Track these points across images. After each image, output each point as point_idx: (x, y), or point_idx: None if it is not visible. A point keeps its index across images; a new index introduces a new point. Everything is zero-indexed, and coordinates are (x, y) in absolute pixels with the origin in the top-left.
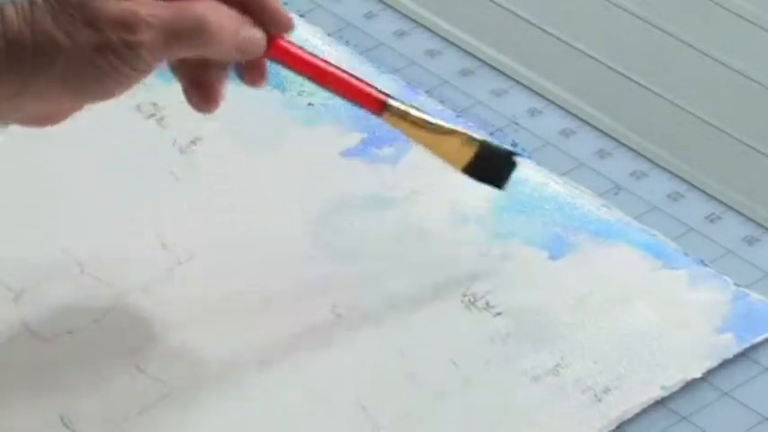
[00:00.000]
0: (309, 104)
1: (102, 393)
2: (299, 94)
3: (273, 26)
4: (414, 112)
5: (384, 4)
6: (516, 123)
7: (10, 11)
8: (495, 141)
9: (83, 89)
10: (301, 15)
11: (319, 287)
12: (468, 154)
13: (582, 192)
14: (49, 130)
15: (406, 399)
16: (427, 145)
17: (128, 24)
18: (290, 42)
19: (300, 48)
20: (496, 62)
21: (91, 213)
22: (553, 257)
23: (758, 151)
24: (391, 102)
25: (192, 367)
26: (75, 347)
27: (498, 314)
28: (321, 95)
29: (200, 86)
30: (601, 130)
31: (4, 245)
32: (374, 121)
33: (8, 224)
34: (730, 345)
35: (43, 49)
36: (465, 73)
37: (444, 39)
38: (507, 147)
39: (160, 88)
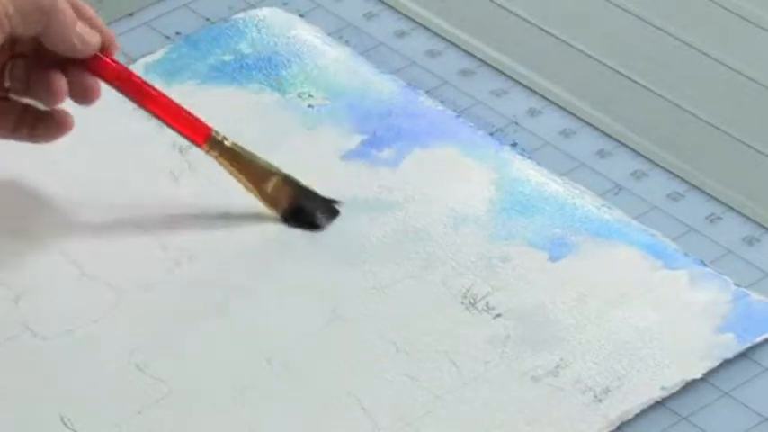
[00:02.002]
0: (309, 107)
1: (102, 393)
2: (299, 96)
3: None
4: (236, 148)
5: (384, 4)
6: (516, 123)
7: None
8: (315, 191)
9: None
10: (301, 15)
11: (320, 288)
12: (288, 198)
13: (582, 192)
14: None
15: (406, 399)
16: (248, 186)
17: None
18: (114, 60)
19: (125, 68)
20: (496, 62)
21: (91, 213)
22: (553, 258)
23: (758, 151)
24: (215, 134)
25: (191, 367)
26: (75, 347)
27: (498, 315)
28: (321, 98)
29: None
30: (601, 130)
31: (4, 245)
32: (374, 123)
33: (8, 224)
34: (730, 345)
35: None
36: (465, 73)
37: (444, 39)
38: (326, 197)
39: (160, 88)
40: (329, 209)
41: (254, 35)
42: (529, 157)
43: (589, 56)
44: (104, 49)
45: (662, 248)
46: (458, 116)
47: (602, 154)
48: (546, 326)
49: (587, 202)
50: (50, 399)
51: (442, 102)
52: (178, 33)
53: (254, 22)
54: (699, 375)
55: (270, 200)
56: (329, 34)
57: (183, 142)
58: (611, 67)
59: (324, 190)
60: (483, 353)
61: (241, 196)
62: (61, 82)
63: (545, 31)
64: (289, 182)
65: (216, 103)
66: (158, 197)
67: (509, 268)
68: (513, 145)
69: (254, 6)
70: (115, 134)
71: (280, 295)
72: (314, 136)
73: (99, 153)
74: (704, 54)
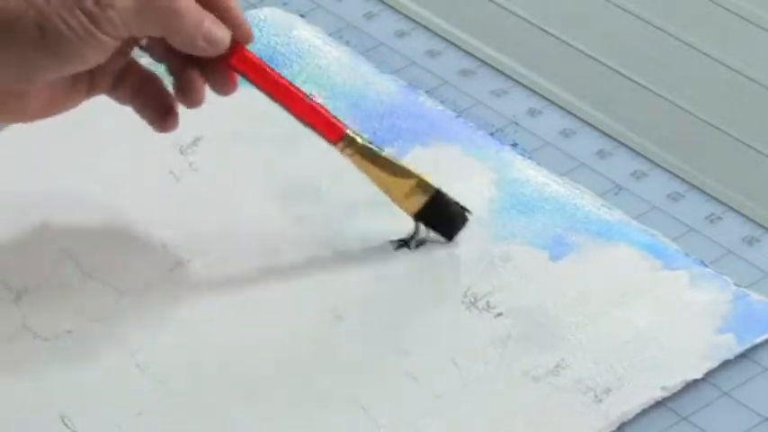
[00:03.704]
0: None
1: (102, 393)
2: None
3: (234, 33)
4: (371, 147)
5: (384, 4)
6: (516, 123)
7: None
8: (448, 194)
9: (49, 47)
10: (301, 15)
11: (320, 288)
12: (421, 199)
13: (582, 192)
14: (50, 130)
15: (406, 399)
16: (381, 184)
17: None
18: (251, 53)
19: (262, 61)
20: (496, 62)
21: (91, 213)
22: (553, 258)
23: (758, 151)
24: (350, 133)
25: (191, 367)
26: (76, 347)
27: (499, 314)
28: (321, 97)
29: (162, 112)
30: (601, 130)
31: (5, 245)
32: (375, 121)
33: (8, 224)
34: (730, 345)
35: (12, 8)
36: (465, 73)
37: (444, 39)
38: (458, 202)
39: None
40: (461, 216)
41: (254, 35)
42: (529, 157)
43: (589, 56)
44: (239, 41)
45: (662, 248)
46: (458, 116)
47: (602, 154)
48: (546, 325)
49: (587, 202)
50: (50, 399)
51: (441, 102)
52: None
53: (254, 23)
54: (699, 375)
55: (403, 200)
56: (329, 34)
57: (184, 141)
58: (611, 67)
59: (325, 189)
60: (483, 352)
61: (241, 196)
62: (197, 84)
63: (545, 31)
64: (424, 184)
65: (217, 102)
66: (159, 197)
67: (509, 268)
68: (514, 145)
69: (254, 6)
70: (115, 134)
71: (280, 295)
72: (314, 134)
73: (99, 153)
74: (704, 54)
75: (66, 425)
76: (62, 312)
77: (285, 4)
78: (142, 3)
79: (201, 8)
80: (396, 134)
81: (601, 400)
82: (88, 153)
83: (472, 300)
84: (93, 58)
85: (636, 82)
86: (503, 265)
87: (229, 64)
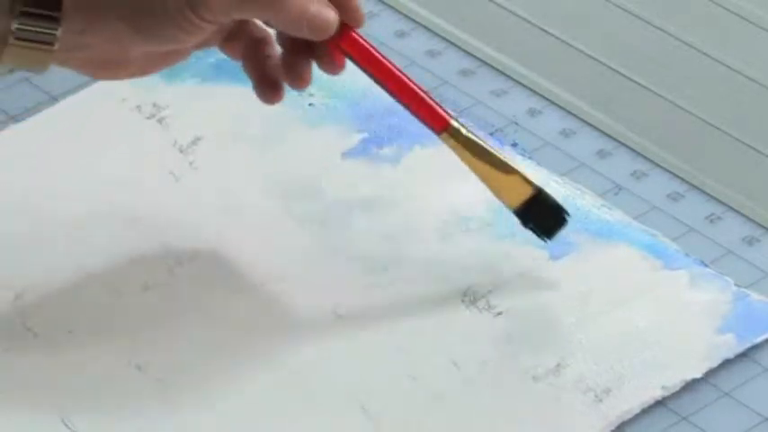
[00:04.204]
0: (310, 105)
1: (102, 393)
2: (300, 94)
3: (345, 16)
4: (475, 139)
5: (384, 4)
6: (516, 123)
7: None
8: (549, 193)
9: (145, 29)
10: None
11: (320, 287)
12: (522, 196)
13: (582, 192)
14: (50, 130)
15: (406, 399)
16: (483, 176)
17: None
18: (361, 37)
19: (371, 46)
20: (496, 62)
21: (91, 213)
22: (554, 258)
23: (758, 151)
24: (454, 123)
25: (192, 367)
26: (76, 347)
27: (499, 314)
28: (322, 96)
29: (268, 79)
30: (601, 130)
31: (5, 245)
32: (375, 121)
33: (8, 224)
34: (731, 345)
35: None
36: (465, 73)
37: (444, 39)
38: (559, 202)
39: (161, 88)
40: (561, 216)
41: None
42: (529, 157)
43: (589, 56)
44: (349, 23)
45: (662, 248)
46: (458, 116)
47: (602, 154)
48: (546, 325)
49: (587, 202)
50: (50, 399)
51: (442, 102)
52: None
53: None
54: (699, 375)
55: (504, 195)
56: None
57: (184, 141)
58: (611, 67)
59: (325, 188)
60: (483, 352)
61: (241, 196)
62: (303, 63)
63: (545, 31)
64: (526, 180)
65: (217, 102)
66: (159, 197)
67: (510, 267)
68: (514, 145)
69: None
70: (115, 134)
71: (280, 294)
72: (315, 133)
73: (99, 152)
74: (704, 54)
75: (66, 425)
76: (62, 312)
77: None
78: None
79: None
80: (396, 134)
81: (601, 400)
82: (88, 153)
83: (472, 299)
84: (190, 41)
85: (636, 82)
86: (503, 264)
87: (338, 46)
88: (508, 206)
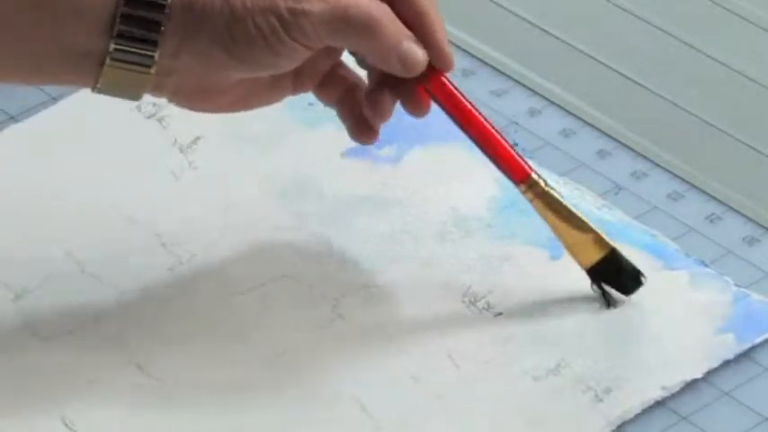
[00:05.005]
0: (310, 104)
1: (102, 393)
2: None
3: (434, 59)
4: (554, 194)
5: None
6: (516, 123)
7: None
8: (623, 254)
9: (238, 53)
10: None
11: (320, 287)
12: (596, 255)
13: (582, 192)
14: (50, 130)
15: (405, 399)
16: (558, 232)
17: None
18: (448, 81)
19: (459, 91)
20: (496, 62)
21: (91, 213)
22: (554, 257)
23: (758, 151)
24: (534, 176)
25: (192, 367)
26: (76, 347)
27: (499, 314)
28: None
29: (362, 122)
30: (601, 130)
31: (5, 245)
32: None
33: (8, 224)
34: (731, 345)
35: (213, 6)
36: (465, 73)
37: None
38: (634, 264)
39: None
40: (635, 277)
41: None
42: (529, 157)
43: (589, 56)
44: (437, 66)
45: (662, 248)
46: None
47: (602, 154)
48: (546, 325)
49: (587, 202)
50: (51, 399)
51: None
52: None
53: None
54: (699, 375)
55: (578, 252)
56: None
57: (184, 141)
58: (611, 67)
59: (325, 188)
60: (483, 352)
61: (241, 196)
62: (387, 99)
63: (545, 31)
64: (602, 241)
65: None
66: (159, 196)
67: (509, 267)
68: (514, 145)
69: None
70: (116, 133)
71: (280, 294)
72: (315, 133)
73: (99, 152)
74: (704, 54)
75: (66, 425)
76: (62, 312)
77: None
78: (338, 13)
79: (402, 25)
80: (396, 134)
81: (601, 400)
82: (88, 153)
83: (472, 299)
84: (282, 65)
85: (636, 82)
86: (503, 264)
87: (425, 87)
88: (581, 265)
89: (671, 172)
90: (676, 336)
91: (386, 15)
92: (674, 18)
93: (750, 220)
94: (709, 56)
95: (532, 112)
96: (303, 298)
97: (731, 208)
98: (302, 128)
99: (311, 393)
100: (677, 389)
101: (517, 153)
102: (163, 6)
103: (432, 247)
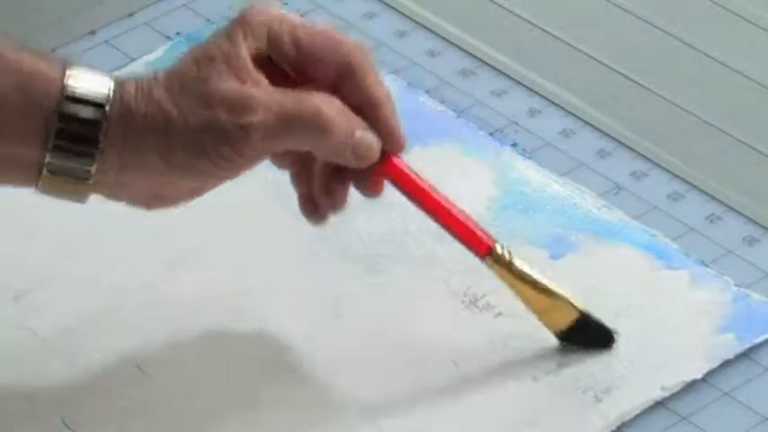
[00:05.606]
0: None
1: (102, 393)
2: None
3: (387, 142)
4: (518, 263)
5: (384, 4)
6: (516, 123)
7: (130, 86)
8: (594, 316)
9: (184, 168)
10: (302, 15)
11: (321, 287)
12: (565, 320)
13: (582, 192)
14: None
15: (405, 399)
16: (526, 301)
17: (241, 105)
18: (402, 162)
19: (413, 171)
20: (496, 62)
21: (91, 213)
22: (554, 257)
23: (758, 151)
24: (498, 247)
25: (192, 367)
26: (76, 347)
27: (499, 314)
28: None
29: (309, 200)
30: (601, 130)
31: (5, 245)
32: None
33: (8, 224)
34: (731, 345)
35: (153, 121)
36: (465, 73)
37: (444, 39)
38: (605, 324)
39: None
40: (607, 338)
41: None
42: (529, 157)
43: (589, 56)
44: (390, 150)
45: (662, 248)
46: (458, 116)
47: (602, 154)
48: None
49: (587, 202)
50: (51, 399)
51: (442, 102)
52: (178, 33)
53: None
54: (699, 375)
55: (547, 318)
56: None
57: None
58: (611, 68)
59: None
60: (483, 352)
61: (241, 195)
62: (340, 193)
63: (545, 31)
64: (569, 306)
65: None
66: None
67: None
68: (514, 145)
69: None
70: None
71: (280, 294)
72: None
73: None
74: (704, 54)
75: (66, 425)
76: (62, 312)
77: (285, 4)
78: (286, 118)
79: (352, 114)
80: None
81: (601, 400)
82: None
83: (472, 299)
84: (231, 175)
85: (636, 82)
86: None
87: (377, 171)
88: (552, 331)
89: (671, 172)
90: (676, 336)
91: (330, 105)
92: (674, 18)
93: (750, 220)
94: (709, 56)
95: (532, 112)
96: (303, 297)
97: (731, 208)
98: None
99: (311, 393)
100: (677, 389)
101: (478, 225)
102: (99, 123)
103: (432, 247)
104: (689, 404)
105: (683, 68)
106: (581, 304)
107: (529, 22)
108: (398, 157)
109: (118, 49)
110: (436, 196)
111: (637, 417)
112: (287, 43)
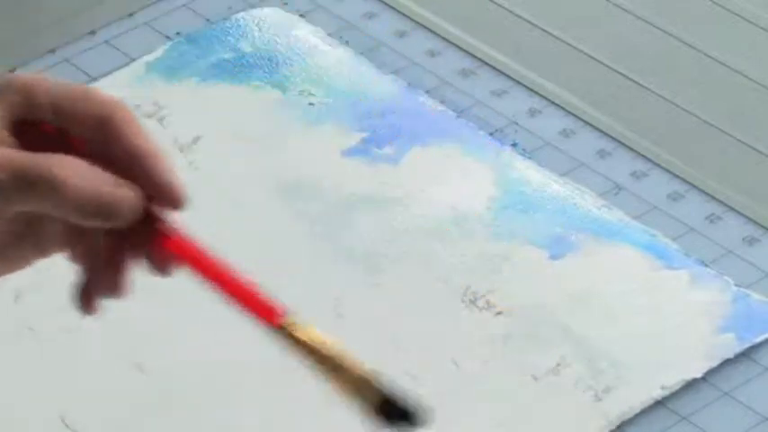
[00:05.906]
0: (310, 104)
1: (102, 393)
2: (300, 93)
3: (159, 196)
4: (315, 334)
5: (384, 4)
6: (516, 123)
7: None
8: (398, 393)
9: None
10: (301, 15)
11: (320, 287)
12: (371, 397)
13: (582, 192)
14: None
15: None
16: (327, 376)
17: None
18: (179, 233)
19: (190, 241)
20: (496, 62)
21: None
22: (554, 257)
23: (758, 151)
24: (289, 319)
25: (192, 367)
26: (76, 347)
27: (499, 313)
28: (321, 95)
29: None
30: (601, 130)
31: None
32: (375, 120)
33: None
34: (731, 345)
35: None
36: (465, 73)
37: (444, 39)
38: (412, 403)
39: (161, 87)
40: (412, 416)
41: (254, 34)
42: (529, 157)
43: (589, 56)
44: (166, 204)
45: (662, 248)
46: (458, 116)
47: (602, 154)
48: (546, 324)
49: (587, 202)
50: (50, 399)
51: (442, 102)
52: (178, 33)
53: (254, 22)
54: (699, 375)
55: (352, 397)
56: (329, 34)
57: (184, 140)
58: (611, 68)
59: (324, 187)
60: (483, 351)
61: (241, 195)
62: (124, 272)
63: (545, 31)
64: (372, 384)
65: (217, 101)
66: None
67: (509, 266)
68: (514, 145)
69: (254, 6)
70: None
71: (280, 294)
72: (315, 133)
73: None
74: (704, 54)
75: (66, 425)
76: (62, 312)
77: (285, 3)
78: (16, 174)
79: (101, 172)
80: (396, 132)
81: (601, 400)
82: None
83: (472, 298)
84: None
85: (636, 82)
86: (502, 264)
87: (153, 247)
88: (359, 410)
89: (671, 172)
90: (676, 336)
91: (72, 167)
92: (674, 18)
93: (750, 220)
94: (709, 56)
95: (532, 112)
96: (303, 297)
97: (731, 208)
98: (302, 127)
99: (310, 392)
100: (677, 389)
101: (263, 299)
102: None
103: (431, 247)
104: (689, 404)
105: (683, 68)
106: (384, 384)
107: (529, 22)
108: (171, 228)
109: (118, 49)
110: (222, 269)
111: (637, 416)
112: (45, 104)
